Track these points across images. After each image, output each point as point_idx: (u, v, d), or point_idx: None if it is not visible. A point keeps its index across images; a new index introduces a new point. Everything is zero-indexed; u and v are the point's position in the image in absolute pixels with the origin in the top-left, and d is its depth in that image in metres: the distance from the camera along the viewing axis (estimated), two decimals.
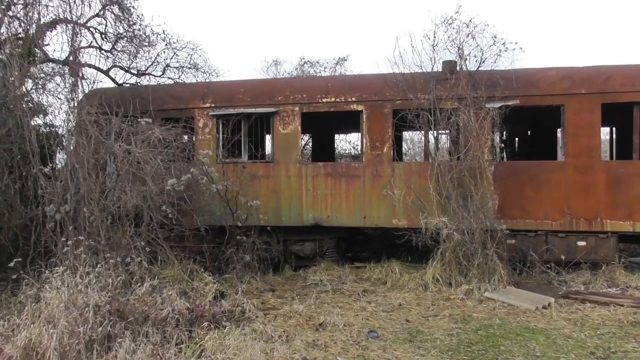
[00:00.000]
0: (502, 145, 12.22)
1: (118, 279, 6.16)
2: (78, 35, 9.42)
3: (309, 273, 10.40)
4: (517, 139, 13.83)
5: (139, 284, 6.99)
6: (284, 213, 10.74)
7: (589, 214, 9.66)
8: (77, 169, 8.42)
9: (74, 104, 9.25)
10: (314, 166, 10.89)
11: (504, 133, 13.65)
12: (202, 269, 9.15)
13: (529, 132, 13.56)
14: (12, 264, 6.65)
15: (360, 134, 10.61)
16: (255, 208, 10.18)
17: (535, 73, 10.03)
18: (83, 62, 10.23)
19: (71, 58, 9.61)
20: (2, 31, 9.68)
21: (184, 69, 13.67)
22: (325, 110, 10.64)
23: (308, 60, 16.68)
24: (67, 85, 9.11)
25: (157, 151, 8.78)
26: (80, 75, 9.34)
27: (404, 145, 15.48)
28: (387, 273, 10.03)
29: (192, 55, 13.54)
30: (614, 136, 13.07)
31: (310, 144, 15.66)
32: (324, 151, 14.11)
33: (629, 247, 11.90)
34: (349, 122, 11.84)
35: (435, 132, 9.96)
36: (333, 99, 10.57)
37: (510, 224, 9.79)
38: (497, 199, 9.88)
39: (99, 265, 6.63)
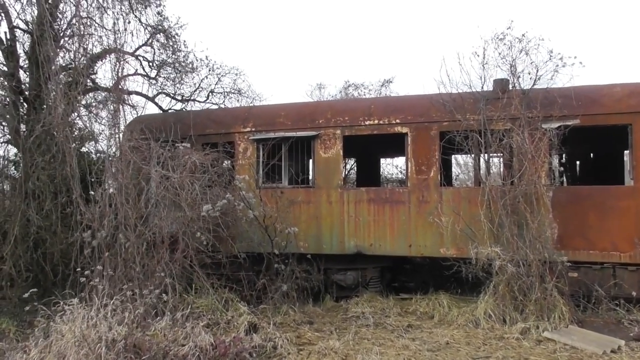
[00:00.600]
0: (562, 169, 11.31)
1: (136, 311, 5.85)
2: (121, 63, 9.49)
3: (351, 304, 9.84)
4: (578, 162, 12.82)
5: (167, 315, 6.68)
6: (325, 240, 10.28)
7: None
8: (115, 195, 8.34)
9: (116, 130, 9.27)
10: (356, 191, 10.42)
11: (564, 156, 12.69)
12: (238, 299, 8.82)
13: (591, 154, 12.53)
14: (26, 295, 6.49)
15: (405, 157, 10.06)
16: (295, 235, 9.79)
17: (599, 90, 9.19)
18: (127, 89, 10.30)
19: (114, 86, 9.69)
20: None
21: (228, 94, 13.64)
22: (368, 134, 10.19)
23: (352, 83, 16.40)
24: (110, 112, 9.15)
25: (193, 176, 8.59)
26: (123, 102, 9.37)
27: (454, 170, 14.77)
28: (435, 306, 9.33)
29: (235, 80, 13.51)
30: None
31: (355, 169, 15.20)
32: (369, 176, 13.61)
33: None
34: (394, 145, 11.34)
35: (486, 155, 9.26)
36: (376, 122, 10.12)
37: (572, 256, 8.89)
38: (556, 228, 9.03)
39: (115, 297, 6.35)
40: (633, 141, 8.81)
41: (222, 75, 13.39)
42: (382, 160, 16.16)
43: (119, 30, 9.38)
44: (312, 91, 17.23)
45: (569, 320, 8.05)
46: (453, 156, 13.22)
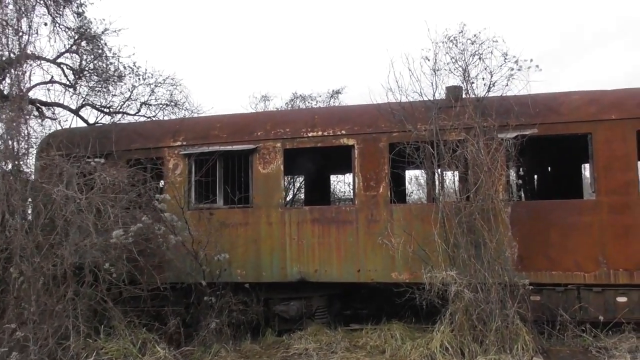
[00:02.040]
0: (520, 182, 10.66)
1: None
2: (25, 69, 8.23)
3: (294, 339, 8.72)
4: (536, 175, 12.24)
5: None
6: (265, 267, 9.16)
7: (630, 263, 7.94)
8: (6, 220, 7.03)
9: (14, 145, 7.96)
10: (298, 211, 9.40)
11: (521, 169, 12.06)
12: (158, 339, 7.58)
13: (549, 167, 11.97)
14: None
15: (352, 172, 9.13)
16: (229, 261, 8.65)
17: (557, 97, 8.56)
18: (31, 99, 9.01)
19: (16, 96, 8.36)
20: None
21: (163, 106, 12.45)
22: (311, 146, 9.22)
23: (300, 95, 15.48)
24: (3, 123, 7.84)
25: (105, 197, 7.37)
26: (23, 113, 8.07)
27: (408, 185, 13.97)
28: (387, 339, 8.32)
29: (172, 92, 12.35)
30: None
31: (303, 187, 14.21)
32: (318, 195, 12.63)
33: None
34: (345, 160, 10.38)
35: (439, 168, 8.43)
36: (320, 133, 9.17)
37: (533, 277, 8.11)
38: (516, 247, 8.24)
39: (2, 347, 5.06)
40: (594, 151, 8.17)
41: (156, 86, 12.23)
42: (334, 178, 15.28)
43: (23, 32, 8.10)
44: (257, 103, 16.27)
45: (532, 350, 7.20)
46: (407, 171, 12.42)
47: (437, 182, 8.55)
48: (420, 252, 8.25)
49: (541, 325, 7.91)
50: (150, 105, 12.36)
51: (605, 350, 7.44)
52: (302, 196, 14.57)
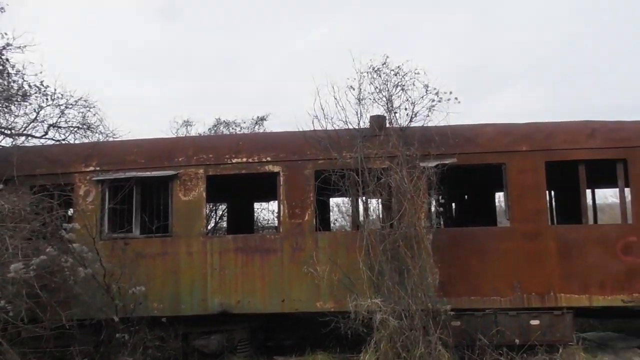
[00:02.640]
0: (441, 210, 11.01)
1: None
2: None
3: None
4: (454, 203, 12.75)
5: None
6: (184, 299, 8.67)
7: (541, 287, 8.35)
8: None
9: None
10: (221, 240, 9.08)
11: (441, 197, 12.50)
12: None
13: (466, 195, 12.51)
14: None
15: (277, 199, 8.96)
16: (145, 294, 8.11)
17: (473, 129, 8.97)
18: None
19: None
20: None
21: (75, 129, 11.64)
22: (235, 173, 8.97)
23: (224, 121, 15.14)
24: None
25: (4, 226, 6.66)
26: None
27: (332, 214, 14.03)
28: None
29: (85, 114, 11.59)
30: (553, 199, 12.21)
31: (226, 216, 13.81)
32: (241, 223, 12.31)
33: (583, 322, 10.68)
34: (269, 187, 10.20)
35: (364, 195, 8.48)
36: (245, 160, 8.95)
37: (454, 303, 8.27)
38: (437, 273, 8.40)
39: None
40: (507, 180, 8.60)
41: (66, 107, 11.41)
42: (257, 205, 15.01)
43: None
44: (178, 128, 15.73)
45: None
46: (331, 199, 12.44)
47: (361, 210, 8.58)
48: (345, 280, 8.18)
49: (462, 350, 8.07)
50: (60, 127, 11.51)
51: None
52: (225, 224, 14.14)
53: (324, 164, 8.69)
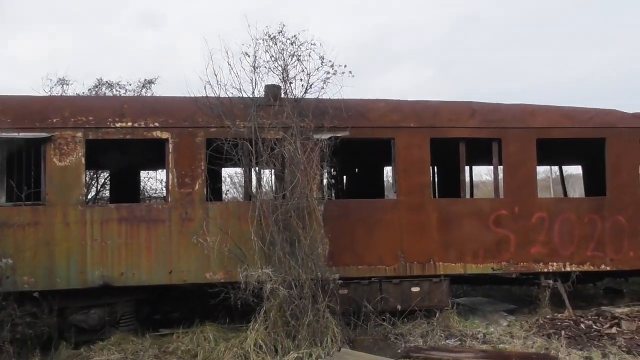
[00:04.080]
0: (332, 182, 11.22)
1: None
2: None
3: (94, 351, 7.83)
4: (345, 176, 13.08)
5: None
6: (60, 272, 8.03)
7: (423, 256, 8.90)
8: None
9: None
10: (103, 209, 8.47)
11: (333, 170, 12.75)
12: None
13: (356, 169, 12.88)
14: None
15: (165, 168, 8.53)
16: (13, 268, 7.38)
17: (366, 104, 9.18)
18: None
19: None
20: None
21: None
22: (119, 138, 8.37)
23: (106, 81, 14.00)
24: None
25: None
26: None
27: (224, 185, 13.71)
28: (199, 342, 7.95)
29: None
30: (436, 175, 13.00)
31: (109, 185, 12.89)
32: (126, 193, 11.58)
33: (458, 288, 11.60)
34: (156, 155, 9.68)
35: (257, 165, 8.36)
36: (130, 124, 8.38)
37: (342, 272, 8.54)
38: (327, 244, 8.57)
39: None
40: (395, 155, 8.95)
41: None
42: (144, 174, 14.22)
43: None
44: (52, 87, 14.23)
45: (340, 341, 7.55)
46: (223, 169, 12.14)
47: (254, 180, 8.47)
48: (236, 250, 8.07)
49: (348, 317, 8.38)
50: None
51: (402, 336, 8.19)
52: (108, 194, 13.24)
53: (217, 132, 8.41)
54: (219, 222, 8.38)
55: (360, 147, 10.73)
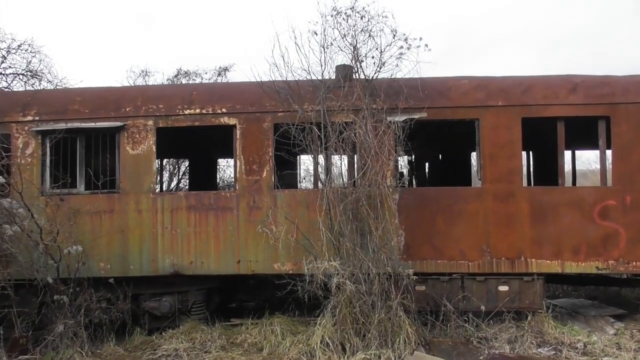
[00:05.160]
0: (411, 170, 10.42)
1: None
2: None
3: (164, 339, 7.83)
4: (427, 163, 12.17)
5: None
6: (133, 260, 8.12)
7: (512, 252, 7.89)
8: None
9: None
10: (172, 197, 8.42)
11: (413, 157, 11.93)
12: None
13: (440, 155, 11.92)
14: None
15: (233, 154, 8.30)
16: (90, 254, 7.55)
17: (446, 82, 8.30)
18: None
19: None
20: None
21: (18, 76, 10.72)
22: (188, 125, 8.26)
23: (185, 71, 14.24)
24: None
25: None
26: None
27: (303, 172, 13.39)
28: (267, 334, 7.67)
29: (30, 60, 10.64)
30: (532, 161, 11.68)
31: (188, 173, 13.05)
32: (204, 181, 11.66)
33: (557, 287, 10.35)
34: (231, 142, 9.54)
35: (325, 151, 7.85)
36: (198, 111, 8.24)
37: (419, 267, 7.84)
38: (403, 235, 7.91)
39: None
40: (480, 138, 8.01)
41: (9, 52, 10.47)
42: (224, 162, 14.31)
43: None
44: (136, 79, 14.78)
45: (415, 343, 6.88)
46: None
47: (323, 167, 7.98)
48: (304, 241, 7.66)
49: (425, 317, 7.66)
50: (1, 74, 10.58)
51: (486, 340, 7.32)
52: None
53: (284, 117, 8.01)
54: (287, 210, 8.00)
55: (443, 131, 9.85)
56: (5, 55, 10.51)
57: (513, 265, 7.89)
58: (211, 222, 8.12)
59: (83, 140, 8.29)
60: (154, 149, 8.22)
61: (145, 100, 8.31)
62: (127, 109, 8.26)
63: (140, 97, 8.41)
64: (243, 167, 8.15)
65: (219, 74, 14.30)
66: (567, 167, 11.45)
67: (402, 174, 10.85)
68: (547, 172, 10.18)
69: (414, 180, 11.79)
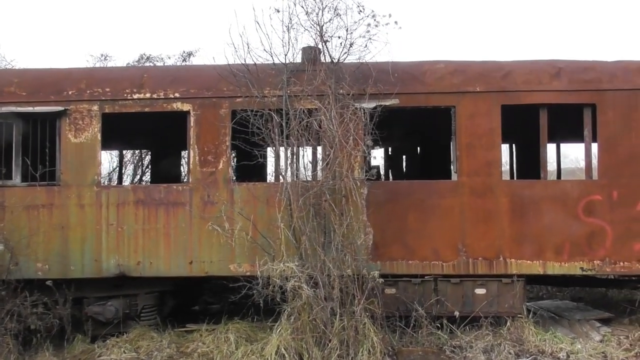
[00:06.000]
0: (388, 163, 9.74)
1: None
2: None
3: (107, 347, 7.08)
4: (404, 156, 11.48)
5: None
6: (75, 260, 7.35)
7: (490, 251, 7.24)
8: None
9: None
10: (119, 191, 7.66)
11: (390, 149, 11.23)
12: None
13: (418, 147, 11.24)
14: None
15: (187, 144, 7.55)
16: (25, 254, 6.79)
17: (420, 65, 7.62)
18: None
19: None
20: None
21: None
22: (137, 111, 7.50)
23: (148, 56, 13.42)
24: None
25: None
26: None
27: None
28: (219, 343, 6.95)
29: None
30: (514, 155, 11.04)
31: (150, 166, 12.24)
32: (166, 174, 10.88)
33: (537, 289, 9.74)
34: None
35: (286, 140, 7.13)
36: (149, 95, 7.48)
37: (389, 268, 7.18)
38: (371, 233, 7.22)
39: None
40: (456, 127, 7.33)
41: None
42: None
43: None
44: (95, 64, 13.94)
45: (380, 353, 6.21)
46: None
47: (282, 158, 7.27)
48: (261, 239, 6.94)
49: (394, 323, 6.97)
50: None
51: (460, 349, 6.66)
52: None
53: (243, 103, 7.28)
54: (245, 206, 7.28)
55: (422, 121, 9.18)
56: None
57: (491, 266, 7.23)
58: (161, 218, 7.38)
59: (20, 126, 7.50)
60: (99, 137, 7.44)
61: (90, 83, 7.53)
62: (70, 92, 7.48)
63: (84, 79, 7.62)
64: (197, 157, 7.41)
65: (184, 60, 13.51)
66: (553, 162, 10.89)
67: (377, 167, 10.17)
68: (531, 166, 9.53)
69: (390, 174, 11.09)
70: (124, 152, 12.12)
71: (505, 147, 10.27)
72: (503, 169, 8.17)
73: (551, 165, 11.20)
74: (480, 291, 7.24)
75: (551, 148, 9.94)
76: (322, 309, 6.11)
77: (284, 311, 6.43)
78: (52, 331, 7.06)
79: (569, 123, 8.24)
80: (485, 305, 7.20)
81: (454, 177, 7.47)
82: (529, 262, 7.20)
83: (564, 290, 9.74)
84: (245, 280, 6.57)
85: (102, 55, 13.82)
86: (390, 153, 11.24)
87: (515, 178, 10.37)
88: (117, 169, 11.90)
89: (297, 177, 7.08)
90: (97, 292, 7.58)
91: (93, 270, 7.35)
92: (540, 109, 7.29)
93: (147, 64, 13.09)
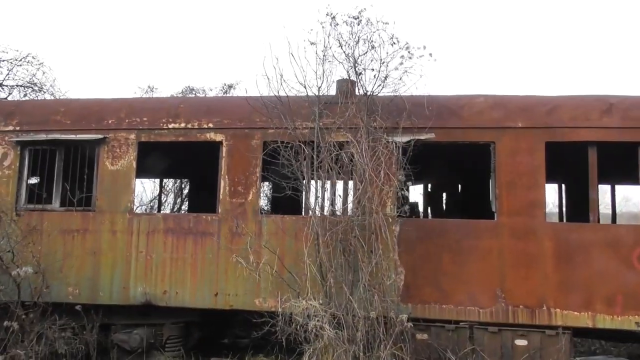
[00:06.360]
0: (427, 201, 9.35)
1: None
2: None
3: None
4: (444, 193, 11.03)
5: None
6: (103, 285, 7.41)
7: (532, 299, 6.68)
8: None
9: None
10: (150, 218, 7.70)
11: (430, 186, 10.83)
12: None
13: (459, 185, 10.77)
14: None
15: (218, 173, 7.54)
16: (59, 278, 6.91)
17: (458, 99, 7.33)
18: None
19: None
20: None
21: (21, 87, 10.49)
22: (171, 140, 7.60)
23: (192, 88, 13.80)
24: None
25: None
26: None
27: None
28: None
29: (35, 73, 10.39)
30: (564, 196, 10.36)
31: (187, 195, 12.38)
32: (205, 204, 10.91)
33: (589, 342, 8.92)
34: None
35: (316, 173, 6.96)
36: (183, 125, 7.57)
37: (421, 311, 6.76)
38: (402, 273, 6.85)
39: None
40: (496, 164, 6.93)
41: (14, 65, 10.29)
42: None
43: None
44: (142, 95, 14.46)
45: None
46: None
47: (313, 192, 7.09)
48: (286, 274, 6.73)
49: None
50: (4, 86, 10.38)
51: None
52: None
53: (275, 134, 7.21)
54: (273, 239, 7.12)
55: (463, 157, 8.79)
56: (11, 68, 10.31)
57: (533, 316, 6.66)
58: (189, 248, 7.33)
59: (62, 152, 7.77)
60: (134, 165, 7.57)
61: (129, 113, 7.73)
62: (110, 121, 7.69)
63: (124, 109, 7.83)
64: (227, 188, 7.37)
65: (225, 92, 13.80)
66: (607, 204, 10.15)
67: (415, 204, 9.81)
68: (582, 208, 8.89)
69: (429, 211, 10.67)
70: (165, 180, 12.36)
71: (554, 187, 9.69)
72: (550, 210, 7.65)
73: (606, 207, 10.47)
74: (521, 342, 6.66)
75: (605, 189, 9.27)
76: (345, 352, 5.77)
77: (306, 351, 6.14)
78: (77, 357, 7.07)
79: (624, 163, 7.64)
80: (526, 358, 6.60)
81: (495, 216, 7.02)
82: (576, 313, 6.58)
83: (619, 345, 8.87)
84: (269, 316, 6.37)
85: (148, 87, 14.40)
86: (429, 190, 10.84)
87: (565, 220, 9.69)
88: (157, 197, 12.12)
89: (325, 211, 6.86)
90: (124, 319, 7.57)
91: (121, 297, 7.36)
92: (589, 147, 6.79)
93: (190, 95, 13.49)
